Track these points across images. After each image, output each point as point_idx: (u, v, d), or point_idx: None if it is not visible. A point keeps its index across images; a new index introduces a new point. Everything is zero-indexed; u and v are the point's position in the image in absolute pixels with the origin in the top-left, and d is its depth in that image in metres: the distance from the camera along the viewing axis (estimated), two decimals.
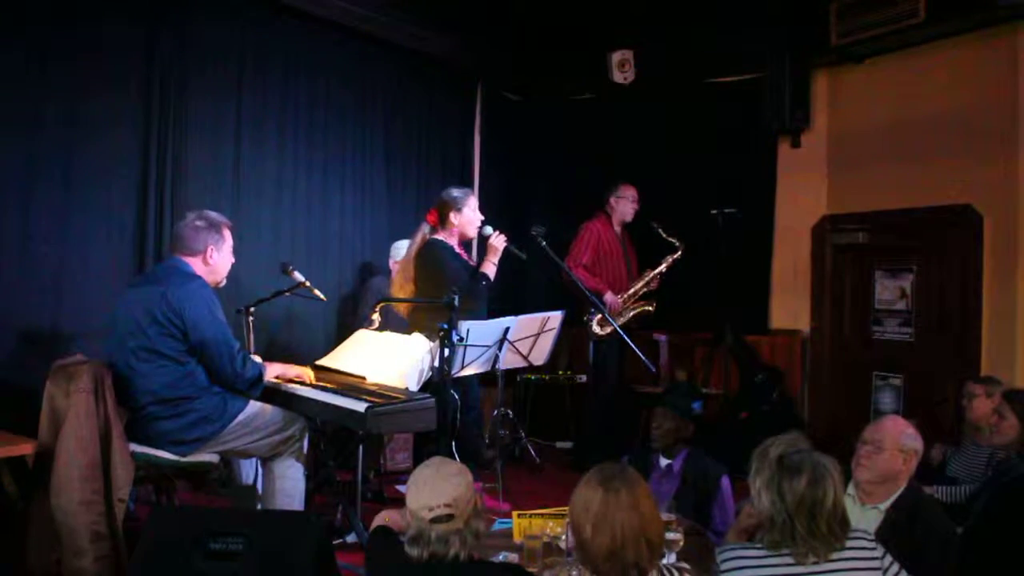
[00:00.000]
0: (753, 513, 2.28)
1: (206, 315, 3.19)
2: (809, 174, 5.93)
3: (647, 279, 5.44)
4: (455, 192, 4.39)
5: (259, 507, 3.54)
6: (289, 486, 3.44)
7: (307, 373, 3.63)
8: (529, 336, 4.20)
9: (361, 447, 3.94)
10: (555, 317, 4.29)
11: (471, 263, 4.49)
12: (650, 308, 5.46)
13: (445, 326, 3.43)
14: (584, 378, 5.78)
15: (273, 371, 3.50)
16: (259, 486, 3.59)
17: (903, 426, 2.69)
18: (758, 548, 2.03)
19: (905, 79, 5.40)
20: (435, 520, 2.02)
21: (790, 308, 6.03)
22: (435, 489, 2.06)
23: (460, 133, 6.57)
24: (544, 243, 4.56)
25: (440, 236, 4.36)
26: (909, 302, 5.49)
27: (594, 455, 4.61)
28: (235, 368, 3.26)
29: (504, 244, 4.27)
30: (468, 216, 4.36)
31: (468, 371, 4.03)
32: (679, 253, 5.43)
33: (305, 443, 3.57)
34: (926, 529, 2.51)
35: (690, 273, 5.74)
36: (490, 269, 4.28)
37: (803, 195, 5.96)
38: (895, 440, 2.63)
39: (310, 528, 2.43)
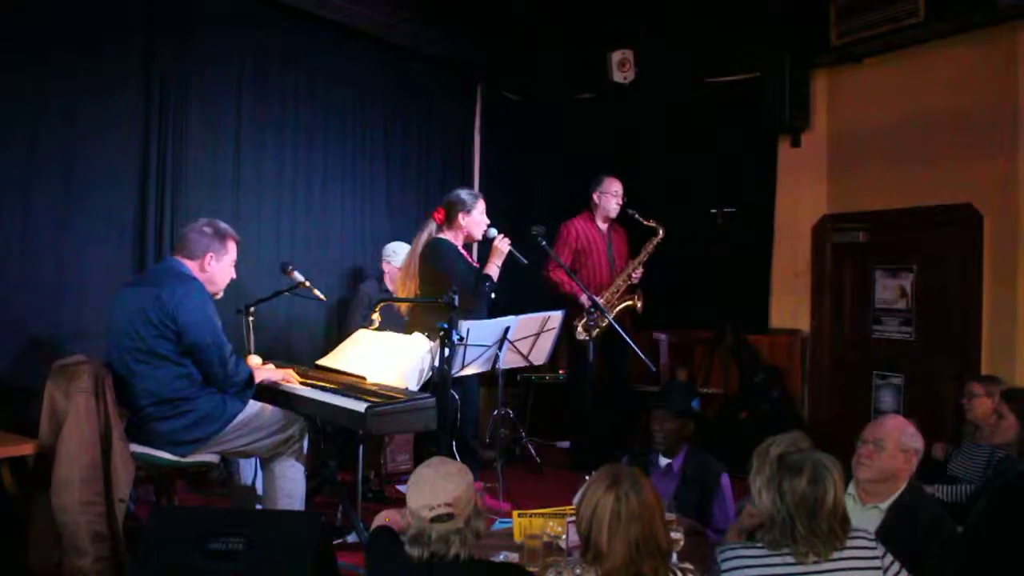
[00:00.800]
0: (755, 513, 2.29)
1: (199, 317, 3.18)
2: (809, 173, 5.93)
3: (629, 270, 5.28)
4: (465, 194, 4.41)
5: (259, 507, 3.54)
6: (289, 486, 3.44)
7: (291, 375, 3.60)
8: (529, 336, 4.21)
9: (361, 447, 3.94)
10: (555, 317, 4.29)
11: (475, 264, 4.50)
12: (638, 303, 5.27)
13: (445, 326, 3.43)
14: None
15: (259, 376, 3.46)
16: (259, 486, 3.59)
17: (904, 425, 2.69)
18: (758, 547, 2.03)
19: (905, 78, 5.39)
20: (435, 519, 2.02)
21: (790, 307, 6.03)
22: (436, 488, 2.06)
23: (460, 133, 6.57)
24: (544, 243, 4.57)
25: (445, 235, 4.37)
26: (909, 301, 5.49)
27: (592, 455, 4.63)
28: (226, 371, 3.26)
29: (508, 248, 4.30)
30: (476, 219, 4.38)
31: (468, 371, 4.03)
32: (660, 236, 5.25)
33: (305, 443, 3.57)
34: (926, 528, 2.51)
35: (690, 273, 5.73)
36: (494, 271, 4.29)
37: (803, 194, 5.96)
38: (896, 439, 2.63)
39: (310, 528, 2.43)
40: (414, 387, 3.56)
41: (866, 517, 2.58)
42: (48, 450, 3.03)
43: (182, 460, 3.23)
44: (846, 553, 2.00)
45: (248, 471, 3.75)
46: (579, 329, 5.12)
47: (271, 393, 3.49)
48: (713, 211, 5.67)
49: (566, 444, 5.84)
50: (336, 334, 5.13)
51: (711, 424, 5.13)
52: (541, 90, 6.76)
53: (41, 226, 4.11)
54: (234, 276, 3.46)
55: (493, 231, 4.36)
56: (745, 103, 5.86)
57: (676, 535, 2.52)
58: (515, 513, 2.84)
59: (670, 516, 2.56)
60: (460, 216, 4.34)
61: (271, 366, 3.66)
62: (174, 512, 3.23)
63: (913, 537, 2.47)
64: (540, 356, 4.36)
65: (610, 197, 5.35)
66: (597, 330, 5.05)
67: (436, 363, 3.50)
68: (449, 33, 5.82)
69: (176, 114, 4.63)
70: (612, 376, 5.39)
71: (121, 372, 3.17)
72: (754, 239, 6.04)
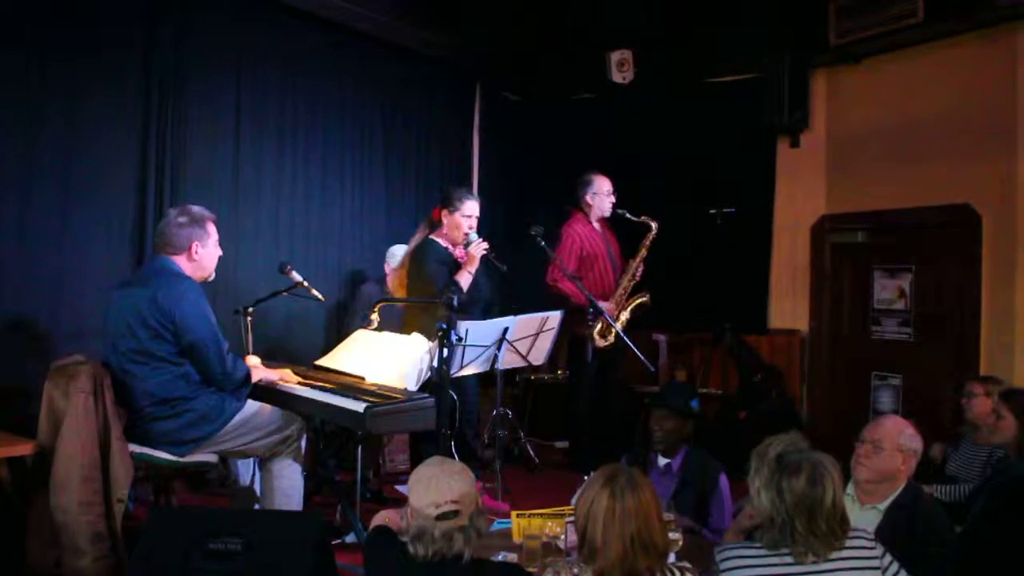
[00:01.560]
0: (753, 514, 2.28)
1: (196, 316, 3.18)
2: (808, 174, 5.94)
3: (631, 270, 5.23)
4: (454, 191, 4.38)
5: (257, 507, 3.54)
6: (287, 486, 3.44)
7: (288, 374, 3.60)
8: (528, 336, 4.20)
9: (360, 447, 3.94)
10: (554, 317, 4.29)
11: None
12: (646, 299, 5.22)
13: (444, 326, 3.43)
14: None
15: (256, 376, 3.45)
16: (257, 486, 3.59)
17: (902, 425, 2.69)
18: (757, 547, 2.03)
19: (904, 79, 5.40)
20: (441, 517, 2.03)
21: (789, 308, 6.03)
22: (441, 486, 2.06)
23: (459, 132, 6.57)
24: (543, 243, 4.56)
25: (436, 235, 4.37)
26: (908, 302, 5.50)
27: (591, 455, 4.63)
28: (224, 369, 3.25)
29: (482, 254, 4.22)
30: (457, 220, 4.30)
31: (467, 371, 4.03)
32: (654, 231, 5.18)
33: (303, 443, 3.57)
34: (925, 529, 2.51)
35: (689, 273, 5.73)
36: (463, 279, 4.20)
37: (802, 195, 5.96)
38: (894, 440, 2.63)
39: (309, 528, 2.43)
40: (413, 387, 3.56)
41: (865, 517, 2.58)
42: (47, 450, 3.03)
43: (181, 460, 3.23)
44: (845, 553, 2.00)
45: (246, 471, 3.75)
46: (596, 337, 5.05)
47: (269, 393, 3.49)
48: (712, 211, 5.67)
49: (565, 444, 5.84)
50: (336, 335, 5.13)
51: (710, 424, 5.13)
52: (540, 90, 6.76)
53: (39, 225, 4.10)
54: (220, 253, 3.43)
55: (473, 235, 4.26)
56: (744, 103, 5.86)
57: (675, 535, 2.52)
58: (514, 513, 2.85)
59: (668, 516, 2.57)
60: (444, 214, 4.33)
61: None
62: (173, 512, 3.23)
63: (912, 537, 2.47)
64: (539, 356, 4.35)
65: (603, 197, 5.25)
66: (611, 336, 5.03)
67: (435, 363, 3.50)
68: (449, 33, 5.82)
69: (175, 114, 4.62)
70: (610, 376, 5.38)
71: (118, 374, 3.17)
72: (753, 239, 6.04)
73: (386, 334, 3.93)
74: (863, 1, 5.25)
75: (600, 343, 5.06)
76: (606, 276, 5.28)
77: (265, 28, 5.07)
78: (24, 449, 3.12)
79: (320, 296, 4.36)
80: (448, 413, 3.47)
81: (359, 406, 3.16)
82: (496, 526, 3.05)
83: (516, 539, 2.77)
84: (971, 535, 2.70)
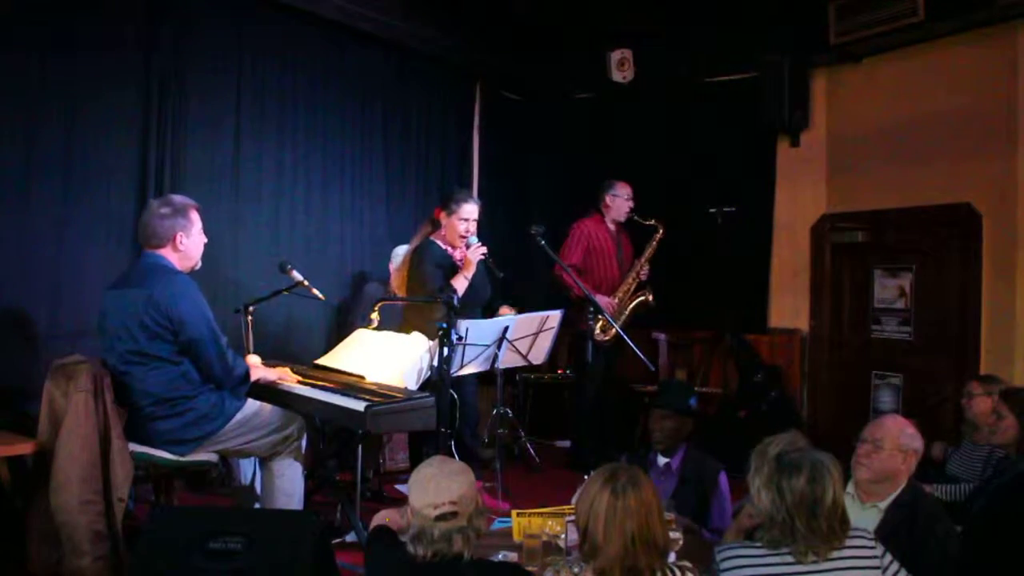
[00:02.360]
0: (753, 513, 2.28)
1: (194, 313, 3.17)
2: (808, 173, 5.93)
3: (636, 270, 5.36)
4: (455, 194, 4.39)
5: (258, 506, 3.54)
6: (288, 485, 3.44)
7: (287, 373, 3.60)
8: (528, 335, 4.20)
9: (360, 446, 3.94)
10: (554, 316, 4.29)
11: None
12: (649, 297, 5.34)
13: (444, 325, 3.43)
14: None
15: (255, 375, 3.45)
16: (258, 486, 3.59)
17: (903, 425, 2.69)
18: (758, 547, 2.03)
19: (904, 78, 5.40)
20: (440, 518, 2.03)
21: (789, 307, 6.03)
22: (440, 487, 2.06)
23: (459, 132, 6.56)
24: (543, 242, 4.56)
25: (436, 236, 4.36)
26: (908, 301, 5.49)
27: (591, 455, 4.63)
28: (225, 364, 3.25)
29: (479, 258, 4.21)
30: (454, 222, 4.30)
31: (467, 370, 4.03)
32: (660, 233, 5.36)
33: (304, 442, 3.57)
34: (926, 528, 2.51)
35: (689, 272, 5.73)
36: (459, 283, 4.18)
37: (802, 194, 5.96)
38: (895, 439, 2.63)
39: (309, 527, 2.43)
40: (413, 386, 3.56)
41: (865, 517, 2.57)
42: (47, 450, 3.03)
43: (181, 459, 3.23)
44: (845, 552, 2.00)
45: (247, 471, 3.75)
46: (597, 331, 5.13)
47: (270, 392, 3.49)
48: (712, 211, 5.68)
49: (566, 443, 5.84)
50: (337, 335, 5.13)
51: (710, 423, 5.13)
52: (540, 89, 6.76)
53: (40, 225, 4.10)
54: (205, 241, 3.40)
55: (473, 239, 4.26)
56: (744, 103, 5.86)
57: (675, 535, 2.52)
58: (514, 512, 2.84)
59: (669, 515, 2.57)
60: (442, 217, 4.33)
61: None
62: (173, 512, 3.22)
63: (912, 537, 2.47)
64: (539, 355, 4.35)
65: (623, 201, 5.40)
66: (612, 331, 5.05)
67: (435, 362, 3.50)
68: (448, 32, 5.82)
69: (175, 113, 4.62)
70: (609, 375, 5.39)
71: (117, 374, 3.16)
72: (753, 239, 6.04)
73: (386, 333, 3.93)
74: (863, 0, 5.25)
75: (600, 337, 5.13)
76: (610, 274, 5.37)
77: (265, 27, 5.06)
78: (24, 449, 3.13)
79: (320, 295, 4.36)
80: (448, 412, 3.47)
81: (359, 405, 3.16)
82: (496, 525, 3.06)
83: (516, 538, 2.77)
84: (971, 535, 2.71)
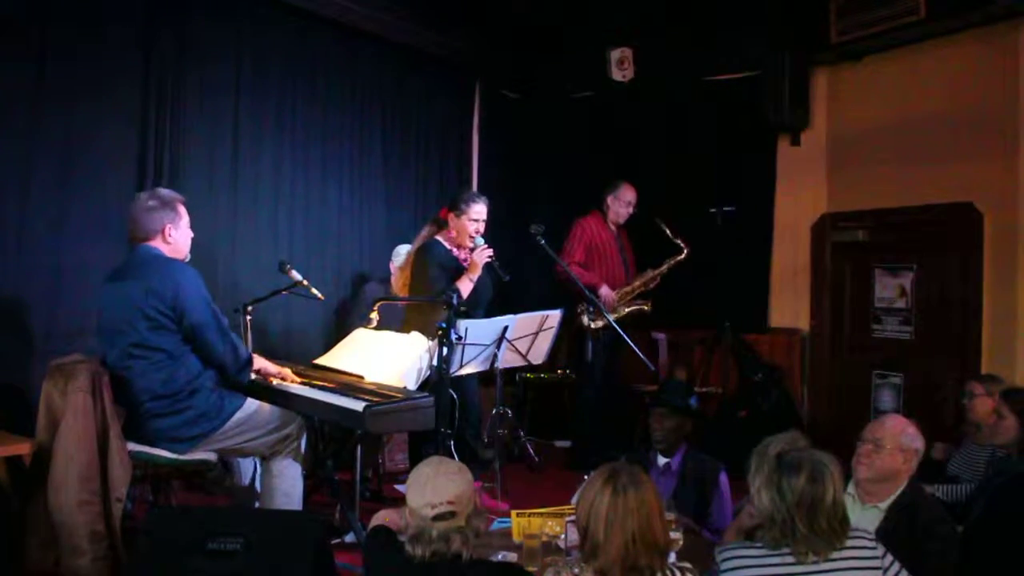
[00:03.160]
0: (754, 513, 2.28)
1: (196, 298, 3.17)
2: (809, 172, 5.93)
3: (647, 279, 5.39)
4: (463, 196, 4.35)
5: (257, 506, 3.53)
6: (287, 485, 3.43)
7: (288, 373, 3.59)
8: (528, 335, 4.20)
9: (359, 446, 3.93)
10: (554, 316, 4.28)
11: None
12: (647, 308, 5.40)
13: (444, 325, 3.42)
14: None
15: (257, 363, 3.45)
16: (257, 485, 3.58)
17: (904, 425, 2.68)
18: (758, 547, 2.02)
19: (905, 77, 5.39)
20: (437, 518, 2.03)
21: (789, 306, 6.02)
22: (437, 487, 2.06)
23: (459, 131, 6.56)
24: (543, 241, 4.55)
25: (441, 236, 4.35)
26: (909, 300, 5.49)
27: (592, 455, 4.62)
28: (229, 345, 3.24)
29: (486, 260, 4.18)
30: (463, 223, 4.26)
31: (467, 370, 4.02)
32: (682, 255, 5.35)
33: (303, 442, 3.56)
34: (926, 528, 2.51)
35: (689, 271, 5.72)
36: (464, 285, 4.14)
37: (802, 193, 5.95)
38: (895, 439, 2.62)
39: (308, 527, 2.43)
40: (412, 386, 3.56)
41: (866, 517, 2.57)
42: (45, 449, 3.02)
43: (180, 458, 3.22)
44: (846, 552, 2.00)
45: (246, 471, 3.75)
46: (585, 320, 5.15)
47: (269, 392, 3.48)
48: (712, 210, 5.66)
49: (565, 443, 5.84)
50: (336, 335, 5.12)
51: (710, 423, 5.12)
52: (540, 89, 6.75)
53: (38, 224, 4.09)
54: (192, 235, 3.40)
55: (480, 240, 4.23)
56: (744, 102, 5.85)
57: (675, 535, 2.52)
58: (514, 513, 2.84)
59: (669, 515, 2.56)
60: (451, 216, 4.31)
61: None
62: (172, 512, 3.22)
63: (913, 537, 2.46)
64: (538, 355, 4.35)
65: (623, 204, 5.41)
66: (603, 321, 5.05)
67: (435, 362, 3.49)
68: (448, 32, 5.82)
69: (174, 112, 4.62)
70: (607, 374, 5.39)
71: (118, 370, 3.15)
72: (754, 238, 6.04)
73: (385, 333, 3.92)
74: None
75: (594, 325, 5.14)
76: (614, 271, 5.39)
77: (264, 26, 5.06)
78: (22, 448, 3.12)
79: (320, 295, 4.35)
80: (448, 413, 3.47)
81: (358, 405, 3.15)
82: (496, 525, 3.05)
83: (516, 539, 2.76)
84: (972, 535, 2.70)
